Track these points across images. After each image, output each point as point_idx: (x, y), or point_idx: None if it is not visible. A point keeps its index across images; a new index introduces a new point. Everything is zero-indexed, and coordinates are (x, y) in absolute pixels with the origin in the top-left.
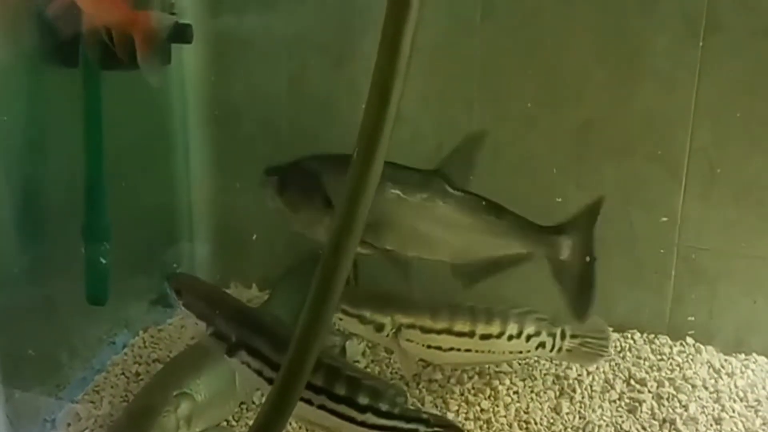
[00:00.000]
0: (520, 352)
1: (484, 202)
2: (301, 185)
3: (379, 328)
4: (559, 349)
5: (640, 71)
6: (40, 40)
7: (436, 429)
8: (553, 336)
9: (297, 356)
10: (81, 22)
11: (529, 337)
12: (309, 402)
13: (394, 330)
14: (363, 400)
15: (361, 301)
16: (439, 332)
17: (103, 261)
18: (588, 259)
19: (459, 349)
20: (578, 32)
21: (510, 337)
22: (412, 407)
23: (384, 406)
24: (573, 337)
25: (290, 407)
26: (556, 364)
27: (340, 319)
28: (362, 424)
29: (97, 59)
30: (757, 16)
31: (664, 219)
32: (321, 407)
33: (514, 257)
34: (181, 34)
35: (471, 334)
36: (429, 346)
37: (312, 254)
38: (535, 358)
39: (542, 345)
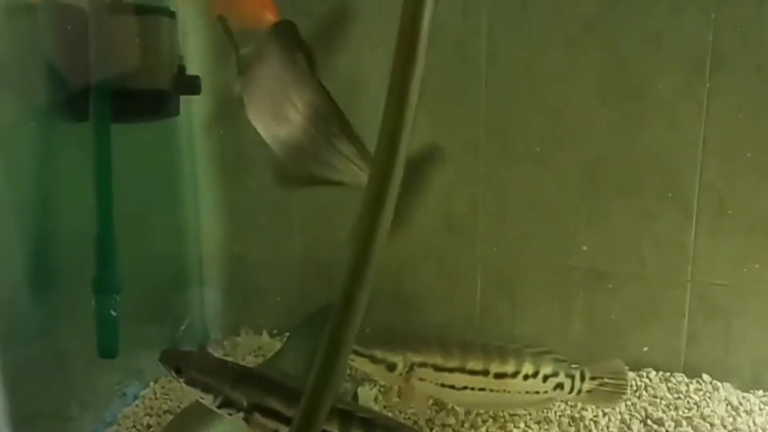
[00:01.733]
0: (537, 393)
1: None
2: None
3: (391, 367)
4: (579, 391)
5: (646, 110)
6: (51, 94)
7: None
8: (572, 377)
9: (310, 408)
10: (90, 75)
11: (546, 378)
12: None
13: (406, 369)
14: None
15: (373, 340)
16: (451, 370)
17: (114, 313)
18: None
19: (473, 388)
20: (582, 74)
21: (526, 377)
22: None
23: None
24: (592, 378)
25: None
26: (571, 406)
27: (352, 360)
28: None
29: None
30: (761, 51)
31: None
32: None
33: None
34: (190, 85)
35: (485, 373)
36: (442, 385)
37: (327, 304)
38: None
39: (560, 386)
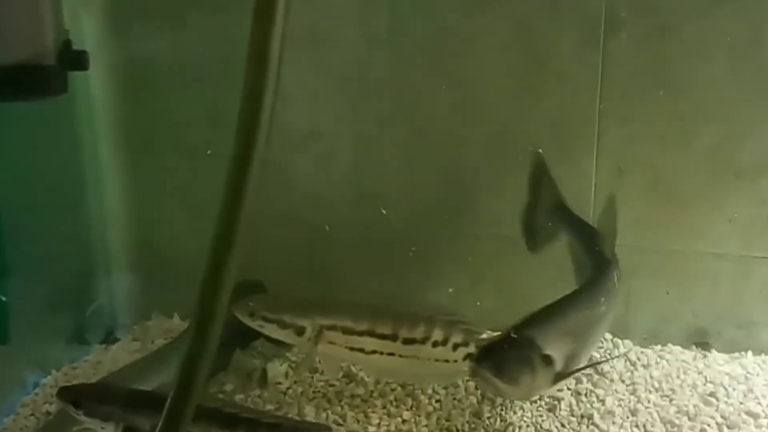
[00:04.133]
0: (447, 361)
1: None
2: None
3: (300, 331)
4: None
5: (546, 78)
6: None
7: None
8: None
9: (186, 371)
10: None
11: (456, 346)
12: None
13: (315, 332)
14: None
15: (281, 306)
16: (360, 334)
17: (3, 298)
18: None
19: (382, 353)
20: (484, 43)
21: (435, 344)
22: None
23: None
24: None
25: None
26: None
27: (261, 327)
28: None
29: None
30: (653, 17)
31: None
32: None
33: None
34: (77, 61)
35: (394, 337)
36: (352, 348)
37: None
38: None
39: (471, 357)
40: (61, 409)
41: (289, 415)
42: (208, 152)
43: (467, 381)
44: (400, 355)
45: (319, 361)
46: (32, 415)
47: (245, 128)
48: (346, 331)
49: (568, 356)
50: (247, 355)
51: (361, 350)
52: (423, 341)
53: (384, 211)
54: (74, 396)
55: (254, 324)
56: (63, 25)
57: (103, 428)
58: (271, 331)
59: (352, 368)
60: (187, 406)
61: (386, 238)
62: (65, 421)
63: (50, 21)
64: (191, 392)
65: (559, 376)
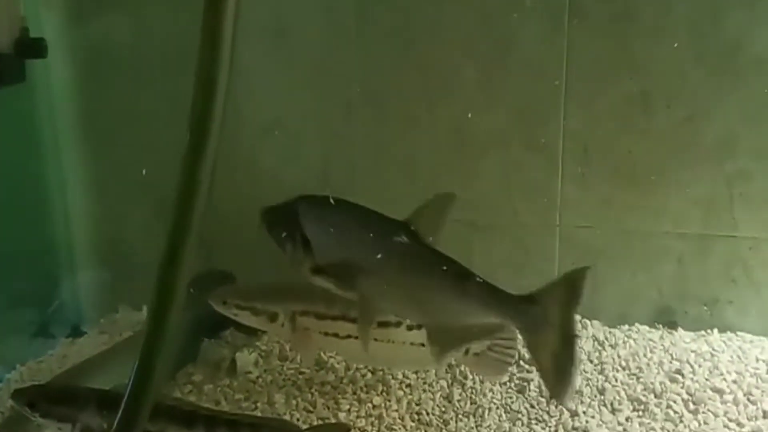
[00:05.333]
0: (423, 345)
1: (450, 263)
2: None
3: (273, 317)
4: (466, 351)
5: (510, 63)
6: None
7: None
8: None
9: (144, 363)
10: None
11: None
12: None
13: (288, 318)
14: None
15: (253, 293)
16: (334, 318)
17: None
18: (566, 333)
19: (357, 337)
20: (448, 30)
21: (410, 327)
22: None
23: None
24: None
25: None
26: None
27: (235, 315)
28: None
29: None
30: (614, 3)
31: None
32: None
33: (487, 325)
34: (34, 48)
35: None
36: (326, 334)
37: (202, 273)
38: None
39: None
40: (13, 411)
41: (258, 404)
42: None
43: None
44: (375, 339)
45: (290, 349)
46: None
47: (199, 113)
48: (319, 316)
49: (341, 268)
50: (216, 345)
51: (336, 335)
52: (397, 324)
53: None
54: (29, 397)
55: (228, 312)
56: (19, 11)
57: (60, 429)
58: (244, 318)
59: (322, 355)
60: (145, 398)
61: None
62: (19, 422)
63: (5, 7)
64: (149, 382)
65: (323, 273)
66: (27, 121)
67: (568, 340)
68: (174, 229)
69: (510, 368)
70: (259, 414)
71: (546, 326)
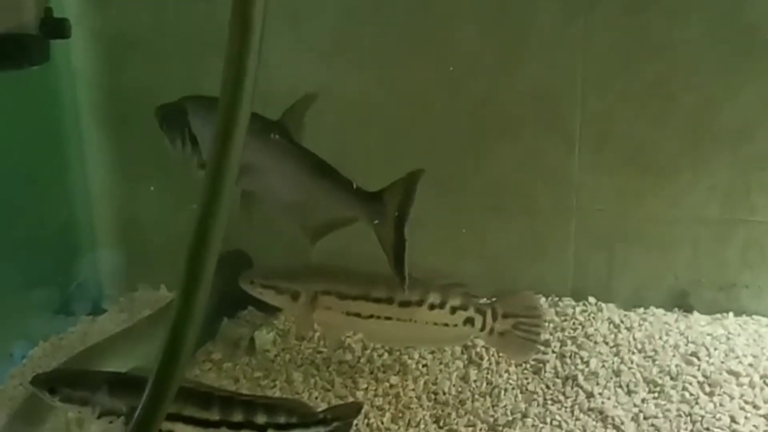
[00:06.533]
0: (446, 326)
1: (314, 160)
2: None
3: (295, 296)
4: (491, 331)
5: (527, 49)
6: None
7: (335, 425)
8: (483, 313)
9: (174, 338)
10: None
11: (454, 310)
12: None
13: (310, 297)
14: (260, 419)
15: (277, 273)
16: (355, 298)
17: None
18: (400, 225)
19: (379, 317)
20: (466, 16)
21: (432, 306)
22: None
23: (281, 419)
24: (505, 317)
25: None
26: None
27: (260, 294)
28: None
29: None
30: None
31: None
32: None
33: (346, 217)
34: (58, 29)
35: (389, 300)
36: (348, 314)
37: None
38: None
39: (471, 321)
40: (32, 394)
41: (277, 382)
42: None
43: (453, 346)
44: (398, 319)
45: (316, 331)
46: (20, 385)
47: (229, 92)
48: (341, 296)
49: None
50: (235, 324)
51: (358, 315)
52: (419, 304)
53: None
54: (49, 383)
55: (254, 291)
56: None
57: (80, 413)
58: (269, 297)
59: (342, 336)
60: (171, 380)
61: None
62: (38, 407)
63: None
64: (178, 360)
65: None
66: (50, 101)
67: (400, 230)
68: (205, 206)
69: (536, 348)
70: (278, 392)
71: (386, 219)
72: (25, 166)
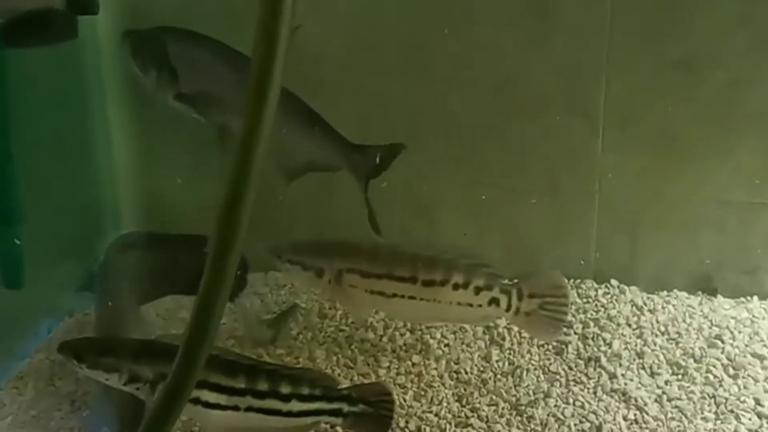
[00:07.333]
0: (471, 306)
1: (300, 104)
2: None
3: (320, 273)
4: (517, 311)
5: (551, 26)
6: None
7: (360, 405)
8: (508, 293)
9: (202, 309)
10: None
11: (478, 290)
12: (236, 408)
13: (334, 274)
14: (285, 389)
15: (305, 248)
16: (379, 276)
17: (18, 242)
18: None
19: (403, 296)
20: None
21: (456, 286)
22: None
23: (305, 391)
24: (531, 296)
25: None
26: None
27: (288, 269)
28: (289, 414)
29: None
30: None
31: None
32: (248, 409)
33: (325, 162)
34: (86, 5)
35: (413, 280)
36: (372, 292)
37: None
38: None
39: (496, 302)
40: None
41: (300, 359)
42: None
43: (475, 326)
44: (421, 299)
45: (338, 309)
46: (46, 359)
47: (260, 62)
48: (365, 274)
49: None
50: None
51: (381, 293)
52: (443, 284)
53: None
54: (76, 350)
55: (282, 266)
56: None
57: (107, 380)
58: (295, 273)
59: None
60: (202, 348)
61: (389, 187)
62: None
63: None
64: (208, 329)
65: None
66: (76, 78)
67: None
68: (234, 178)
69: (563, 328)
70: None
71: (365, 172)
72: (51, 143)
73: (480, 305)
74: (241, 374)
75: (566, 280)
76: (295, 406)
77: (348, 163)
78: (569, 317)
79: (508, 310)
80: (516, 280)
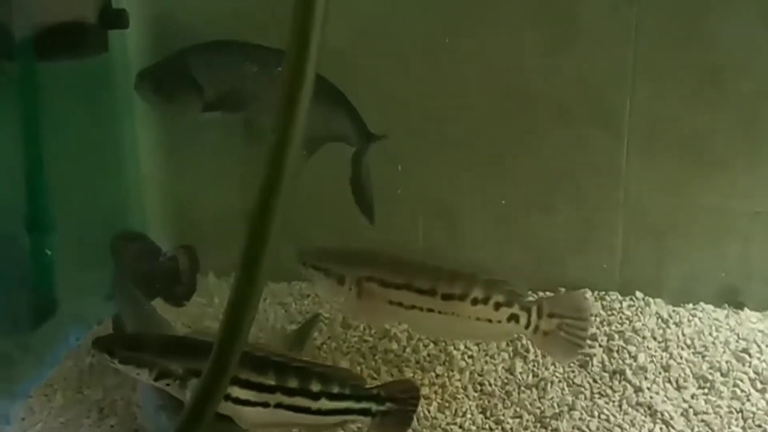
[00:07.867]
0: (490, 321)
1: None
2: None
3: (341, 280)
4: (536, 329)
5: (576, 32)
6: None
7: (387, 404)
8: (528, 311)
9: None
10: (11, 11)
11: (498, 306)
12: (265, 405)
13: (354, 283)
14: (315, 387)
15: (329, 255)
16: (398, 287)
17: (49, 252)
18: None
19: (422, 308)
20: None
21: (475, 301)
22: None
23: (335, 389)
24: (551, 316)
25: (230, 368)
26: None
27: (312, 276)
28: (318, 412)
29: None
30: None
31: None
32: (278, 406)
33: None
34: (117, 19)
35: (432, 292)
36: (391, 302)
37: None
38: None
39: (515, 318)
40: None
41: None
42: None
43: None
44: (440, 312)
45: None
46: (76, 366)
47: (293, 64)
48: (384, 284)
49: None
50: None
51: (400, 305)
52: (462, 298)
53: (400, 168)
54: (108, 345)
55: (306, 273)
56: None
57: (138, 374)
58: (318, 280)
59: (386, 324)
60: (235, 346)
61: (412, 194)
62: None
63: None
64: (241, 328)
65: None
66: (105, 90)
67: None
68: (267, 179)
69: (581, 351)
70: None
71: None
72: (81, 154)
73: (499, 321)
74: (271, 371)
75: (589, 303)
76: (325, 404)
77: (354, 137)
78: (588, 341)
79: (527, 327)
80: (537, 298)
